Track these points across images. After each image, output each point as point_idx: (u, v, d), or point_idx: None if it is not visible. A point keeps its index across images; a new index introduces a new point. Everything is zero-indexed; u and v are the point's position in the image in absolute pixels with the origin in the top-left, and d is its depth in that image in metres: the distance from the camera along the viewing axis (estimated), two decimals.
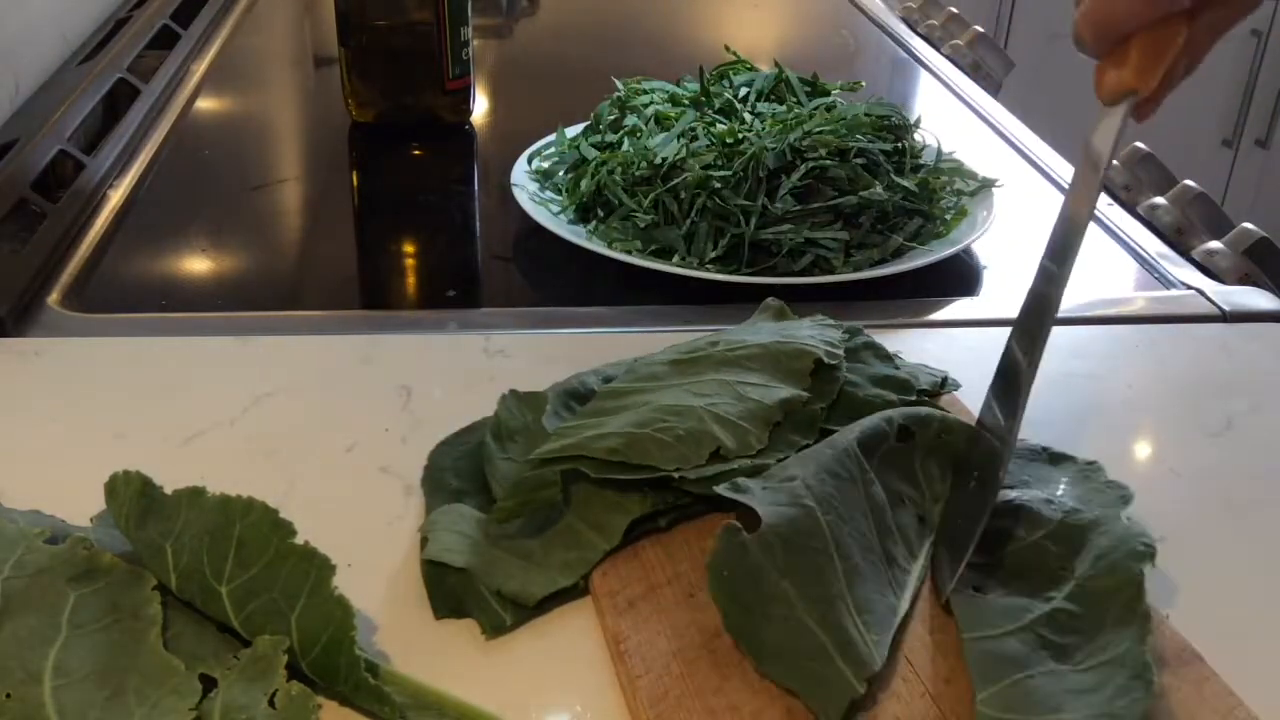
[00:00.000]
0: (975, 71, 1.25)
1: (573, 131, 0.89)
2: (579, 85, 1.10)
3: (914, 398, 0.58)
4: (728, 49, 0.98)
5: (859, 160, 0.78)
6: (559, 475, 0.51)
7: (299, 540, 0.42)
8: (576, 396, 0.58)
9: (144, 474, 0.44)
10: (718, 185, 0.75)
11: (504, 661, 0.46)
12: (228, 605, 0.42)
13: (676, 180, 0.76)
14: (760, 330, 0.61)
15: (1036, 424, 0.54)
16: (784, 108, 0.86)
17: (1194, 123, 2.37)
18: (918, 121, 0.86)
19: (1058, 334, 0.70)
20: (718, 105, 0.87)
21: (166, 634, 0.42)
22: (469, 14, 0.96)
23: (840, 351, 0.58)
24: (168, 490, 0.44)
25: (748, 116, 0.85)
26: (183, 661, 0.41)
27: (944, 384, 0.61)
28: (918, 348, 0.66)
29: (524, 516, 0.50)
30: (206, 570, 0.42)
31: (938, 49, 1.30)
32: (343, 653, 0.41)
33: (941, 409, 0.60)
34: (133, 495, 0.44)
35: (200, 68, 1.16)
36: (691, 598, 0.47)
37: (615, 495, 0.51)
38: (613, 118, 0.87)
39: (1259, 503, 0.56)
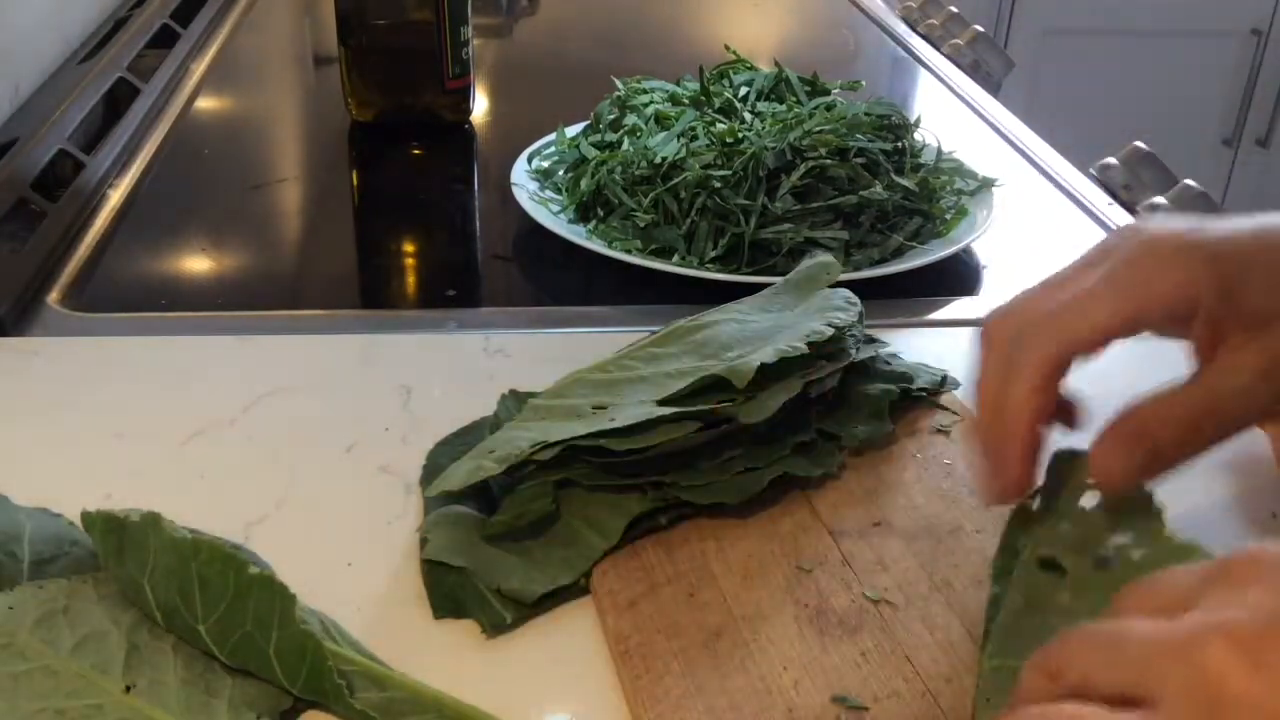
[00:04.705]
0: (975, 71, 1.25)
1: (573, 131, 0.89)
2: (579, 85, 1.10)
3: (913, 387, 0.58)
4: (728, 49, 0.98)
5: (859, 160, 0.78)
6: (552, 486, 0.51)
7: (256, 570, 0.41)
8: None
9: (106, 510, 0.44)
10: (718, 185, 0.75)
11: (504, 661, 0.46)
12: (209, 643, 0.42)
13: (676, 180, 0.76)
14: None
15: None
16: (784, 107, 0.86)
17: (1194, 123, 2.37)
18: (918, 121, 0.86)
19: None
20: (718, 105, 0.87)
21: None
22: (469, 14, 0.96)
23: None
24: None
25: (748, 116, 0.85)
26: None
27: (943, 383, 0.61)
28: (918, 347, 0.66)
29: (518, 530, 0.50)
30: (182, 609, 0.42)
31: (938, 48, 1.30)
32: (325, 679, 0.41)
33: (943, 406, 0.60)
34: (101, 533, 0.44)
35: (200, 67, 1.16)
36: (692, 597, 0.47)
37: (613, 496, 0.51)
38: (613, 117, 0.87)
39: (1259, 502, 0.56)
